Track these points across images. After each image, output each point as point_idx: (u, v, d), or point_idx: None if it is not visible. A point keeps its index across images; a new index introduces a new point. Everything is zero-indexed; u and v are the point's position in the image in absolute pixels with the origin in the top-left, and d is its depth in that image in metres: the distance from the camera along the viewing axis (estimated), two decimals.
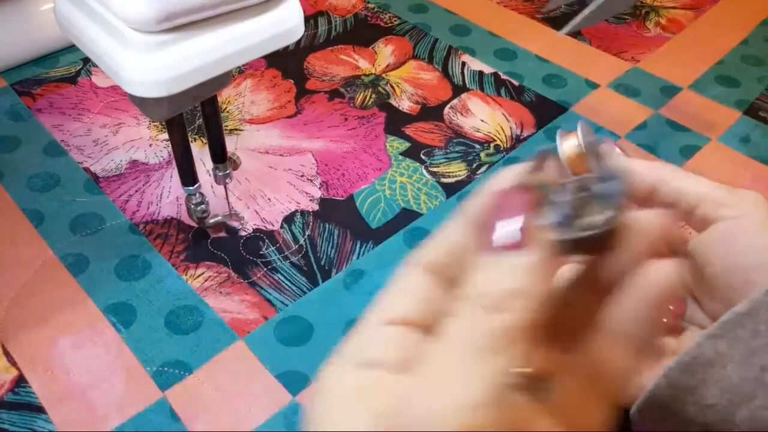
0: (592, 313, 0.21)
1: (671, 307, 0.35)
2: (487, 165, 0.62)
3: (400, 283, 0.21)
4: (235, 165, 0.61)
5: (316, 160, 0.62)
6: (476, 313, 0.18)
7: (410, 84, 0.71)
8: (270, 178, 0.60)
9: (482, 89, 0.71)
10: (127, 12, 0.36)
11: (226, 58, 0.40)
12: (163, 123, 0.63)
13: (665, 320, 0.34)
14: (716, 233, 0.32)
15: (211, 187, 0.58)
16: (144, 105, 0.43)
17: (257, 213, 0.56)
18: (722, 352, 0.28)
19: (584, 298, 0.22)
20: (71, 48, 0.72)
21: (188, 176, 0.49)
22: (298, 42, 0.75)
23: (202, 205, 0.51)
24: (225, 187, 0.53)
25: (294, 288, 0.50)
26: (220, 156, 0.51)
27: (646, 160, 0.37)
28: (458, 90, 0.71)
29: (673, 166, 0.36)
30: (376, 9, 0.83)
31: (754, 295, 0.28)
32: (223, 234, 0.54)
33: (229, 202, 0.54)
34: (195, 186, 0.49)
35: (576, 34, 0.80)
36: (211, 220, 0.53)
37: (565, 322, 0.21)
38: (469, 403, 0.16)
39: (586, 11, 0.54)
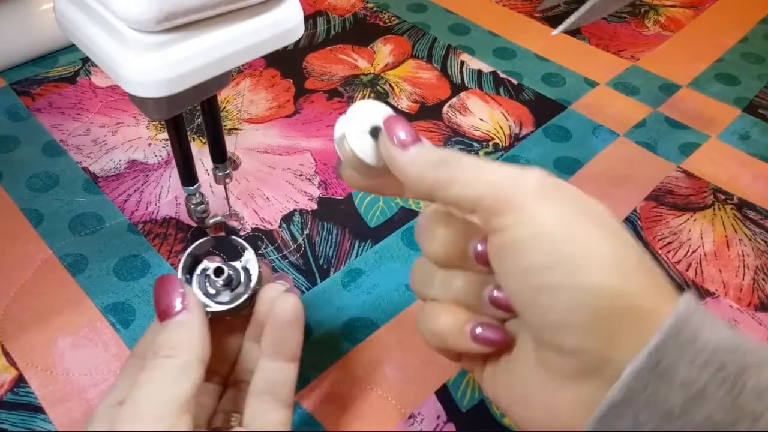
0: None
1: None
2: None
3: (123, 370, 0.32)
4: (235, 165, 0.61)
5: (314, 160, 0.62)
6: (155, 364, 0.27)
7: (409, 83, 0.71)
8: (269, 177, 0.60)
9: (481, 88, 0.71)
10: (126, 12, 0.36)
11: (226, 58, 0.40)
12: (163, 123, 0.63)
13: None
14: (493, 250, 0.27)
15: (210, 186, 0.58)
16: (144, 105, 0.43)
17: (256, 212, 0.56)
18: None
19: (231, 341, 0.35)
20: (70, 48, 0.72)
21: (188, 176, 0.49)
22: (297, 41, 0.75)
23: (202, 205, 0.51)
24: (225, 187, 0.53)
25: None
26: (219, 156, 0.51)
27: (426, 150, 0.28)
28: (457, 89, 0.71)
29: (457, 154, 0.28)
30: (375, 8, 0.83)
31: (624, 379, 0.23)
32: (222, 234, 0.54)
33: (228, 202, 0.54)
34: (195, 186, 0.49)
35: (575, 32, 0.80)
36: (211, 220, 0.53)
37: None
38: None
39: (581, 10, 0.54)
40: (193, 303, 0.29)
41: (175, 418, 0.25)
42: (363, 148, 0.30)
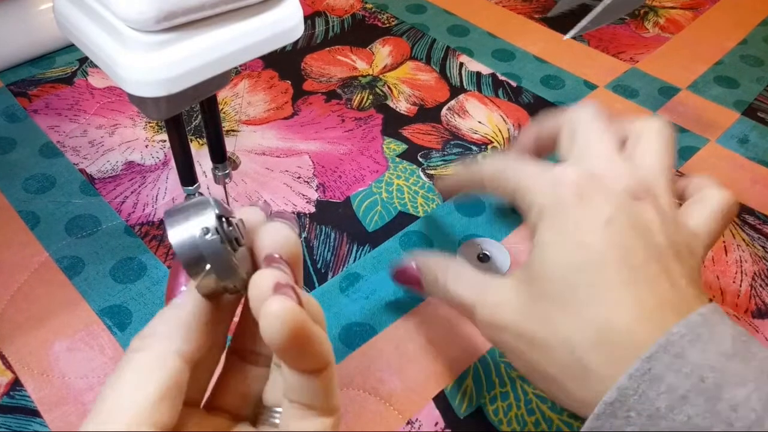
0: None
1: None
2: None
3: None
4: (235, 165, 0.61)
5: (312, 162, 0.61)
6: (126, 359, 0.24)
7: (408, 85, 0.71)
8: (266, 179, 0.60)
9: (480, 90, 0.71)
10: (126, 11, 0.36)
11: (225, 57, 0.40)
12: (161, 123, 0.63)
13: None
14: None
15: (208, 188, 0.58)
16: (143, 105, 0.42)
17: None
18: None
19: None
20: (67, 48, 0.72)
21: (188, 176, 0.49)
22: (296, 42, 0.75)
23: None
24: (224, 188, 0.53)
25: None
26: (219, 156, 0.51)
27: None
28: (456, 91, 0.70)
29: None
30: (373, 9, 0.82)
31: (619, 382, 0.26)
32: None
33: (228, 202, 0.54)
34: (194, 186, 0.49)
35: (576, 35, 0.80)
36: None
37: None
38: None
39: (592, 14, 0.54)
40: (191, 288, 0.25)
41: (139, 418, 0.22)
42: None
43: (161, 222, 0.55)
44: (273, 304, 0.21)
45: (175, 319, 0.24)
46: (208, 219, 0.24)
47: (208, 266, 0.23)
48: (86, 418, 0.22)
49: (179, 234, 0.24)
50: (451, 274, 0.36)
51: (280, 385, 0.26)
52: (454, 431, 0.41)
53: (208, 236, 0.23)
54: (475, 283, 0.34)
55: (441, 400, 0.43)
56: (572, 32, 0.57)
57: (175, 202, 0.57)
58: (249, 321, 0.28)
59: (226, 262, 0.24)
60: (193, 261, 0.24)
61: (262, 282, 0.23)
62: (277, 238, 0.25)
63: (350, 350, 0.46)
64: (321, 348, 0.23)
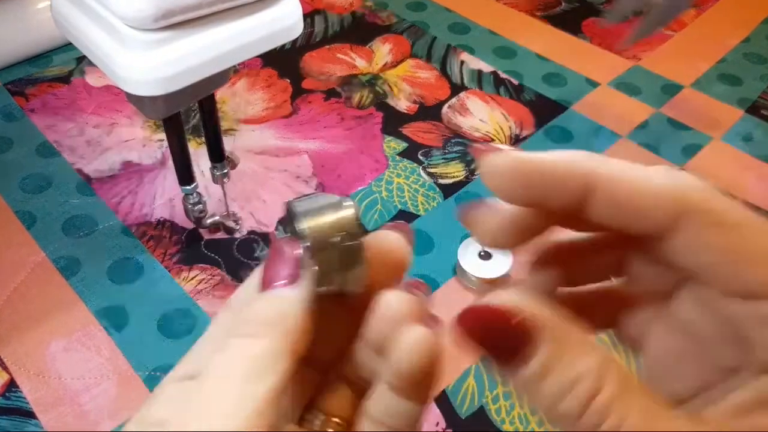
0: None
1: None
2: None
3: (204, 333, 0.21)
4: (233, 164, 0.60)
5: (312, 161, 0.61)
6: (237, 342, 0.19)
7: (408, 83, 0.70)
8: (265, 179, 0.59)
9: (481, 88, 0.70)
10: (124, 9, 0.35)
11: (224, 56, 0.39)
12: (160, 122, 0.63)
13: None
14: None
15: (206, 187, 0.57)
16: (141, 103, 0.42)
17: (252, 215, 0.56)
18: None
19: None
20: (65, 47, 0.71)
21: (186, 175, 0.48)
22: (294, 41, 0.74)
23: (200, 205, 0.50)
24: (222, 187, 0.52)
25: None
26: (217, 155, 0.50)
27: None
28: (457, 89, 0.70)
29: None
30: (373, 7, 0.82)
31: None
32: (217, 236, 0.53)
33: (226, 202, 0.54)
34: (192, 185, 0.49)
35: (576, 31, 0.80)
36: (209, 220, 0.52)
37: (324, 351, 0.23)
38: (240, 429, 0.17)
39: (649, 17, 0.54)
40: (306, 277, 0.20)
41: (248, 421, 0.18)
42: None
43: (158, 222, 0.55)
44: (422, 334, 0.19)
45: (291, 314, 0.20)
46: (349, 217, 0.22)
47: (336, 262, 0.21)
48: (181, 409, 0.18)
49: (314, 222, 0.21)
50: None
51: (342, 396, 0.24)
52: (456, 431, 0.41)
53: (352, 231, 0.21)
54: None
55: (442, 400, 0.42)
56: (631, 38, 0.57)
57: (173, 202, 0.56)
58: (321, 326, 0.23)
59: (360, 262, 0.21)
60: (327, 254, 0.21)
61: (402, 304, 0.20)
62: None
63: None
64: (436, 382, 0.20)
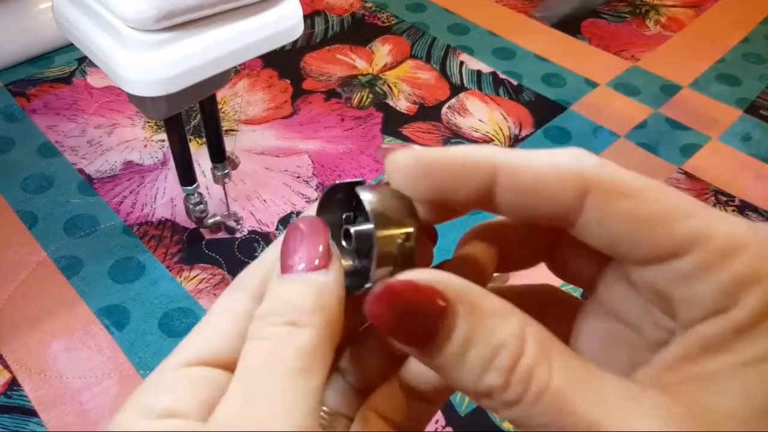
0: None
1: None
2: None
3: (210, 313, 0.18)
4: (234, 164, 0.60)
5: (312, 161, 0.61)
6: (277, 330, 0.16)
7: (408, 84, 0.71)
8: (266, 179, 0.59)
9: (480, 89, 0.70)
10: (125, 11, 0.36)
11: (225, 57, 0.40)
12: (161, 123, 0.63)
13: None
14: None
15: (207, 188, 0.57)
16: (142, 104, 0.42)
17: (252, 214, 0.56)
18: None
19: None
20: (66, 48, 0.72)
21: (187, 176, 0.48)
22: (295, 42, 0.75)
23: (201, 205, 0.50)
24: (224, 187, 0.53)
25: None
26: (218, 155, 0.51)
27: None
28: (456, 89, 0.70)
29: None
30: (373, 8, 0.82)
31: None
32: (217, 235, 0.54)
33: (227, 202, 0.54)
34: (194, 186, 0.49)
35: (575, 32, 0.80)
36: (210, 220, 0.52)
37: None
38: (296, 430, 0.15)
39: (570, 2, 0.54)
40: (338, 263, 0.18)
41: (304, 421, 0.15)
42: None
43: (160, 222, 0.55)
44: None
45: (330, 302, 0.17)
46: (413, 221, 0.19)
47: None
48: (220, 413, 0.15)
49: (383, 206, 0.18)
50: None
51: (342, 390, 0.21)
52: (455, 428, 0.41)
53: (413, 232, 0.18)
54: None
55: None
56: (543, 13, 0.57)
57: (174, 201, 0.56)
58: None
59: (412, 264, 0.18)
60: (389, 242, 0.18)
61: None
62: None
63: None
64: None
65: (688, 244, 0.15)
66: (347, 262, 0.20)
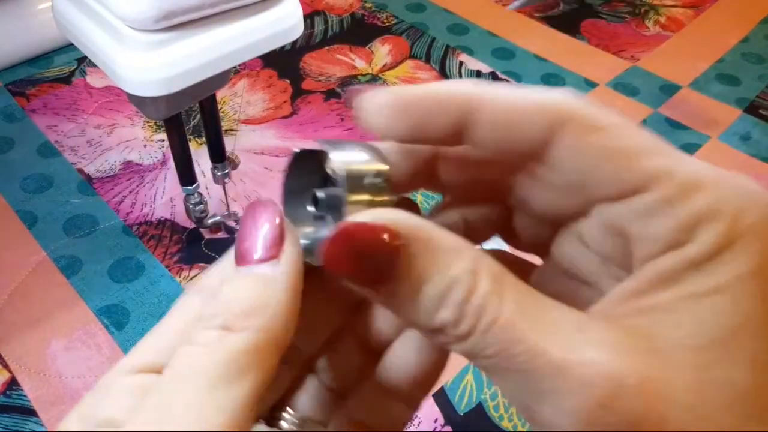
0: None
1: None
2: None
3: (165, 317, 0.18)
4: (234, 164, 0.61)
5: None
6: (209, 335, 0.15)
7: (407, 84, 0.71)
8: (265, 179, 0.59)
9: None
10: (125, 10, 0.36)
11: (225, 57, 0.40)
12: (160, 122, 0.63)
13: None
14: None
15: (206, 188, 0.57)
16: (142, 104, 0.42)
17: None
18: None
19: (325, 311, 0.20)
20: (66, 48, 0.72)
21: (187, 175, 0.48)
22: (294, 41, 0.75)
23: (201, 205, 0.50)
24: (224, 187, 0.53)
25: None
26: (218, 155, 0.51)
27: None
28: None
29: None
30: (373, 8, 0.82)
31: None
32: (217, 235, 0.54)
33: (227, 202, 0.54)
34: (194, 186, 0.49)
35: (575, 32, 0.80)
36: (210, 220, 0.52)
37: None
38: None
39: None
40: (292, 251, 0.16)
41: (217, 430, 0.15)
42: None
43: (159, 222, 0.55)
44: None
45: (273, 301, 0.16)
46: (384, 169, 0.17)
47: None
48: (136, 414, 0.15)
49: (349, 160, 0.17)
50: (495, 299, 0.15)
51: (316, 394, 0.21)
52: (454, 427, 0.41)
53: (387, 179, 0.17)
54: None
55: (440, 397, 0.43)
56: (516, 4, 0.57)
57: (174, 201, 0.56)
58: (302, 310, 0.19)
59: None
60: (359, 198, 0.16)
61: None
62: None
63: None
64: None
65: (650, 181, 0.15)
66: (317, 232, 0.18)
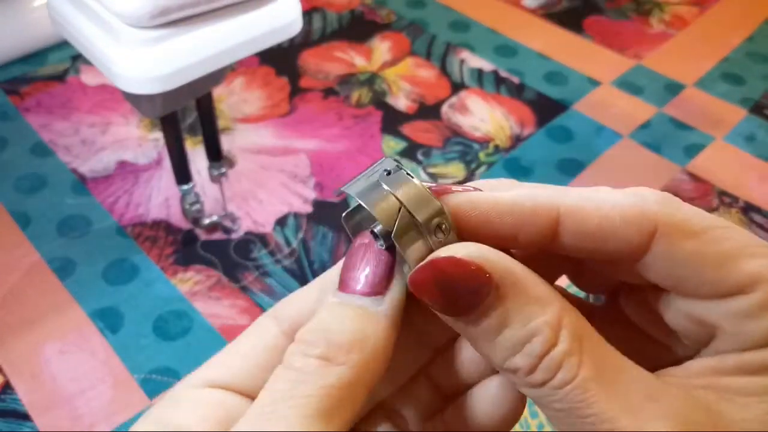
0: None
1: None
2: (486, 165, 0.60)
3: (240, 336, 0.18)
4: (231, 163, 0.60)
5: (310, 161, 0.60)
6: (308, 363, 0.15)
7: (407, 82, 0.70)
8: (262, 178, 0.58)
9: (482, 87, 0.69)
10: (121, 7, 0.35)
11: (222, 54, 0.39)
12: (156, 121, 0.62)
13: None
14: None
15: (202, 188, 0.56)
16: (138, 102, 0.42)
17: (249, 215, 0.55)
18: None
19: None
20: (60, 45, 0.71)
21: (183, 174, 0.48)
22: (292, 38, 0.74)
23: (197, 205, 0.50)
24: (220, 186, 0.52)
25: (286, 293, 0.49)
26: (215, 154, 0.50)
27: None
28: (457, 88, 0.69)
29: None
30: (372, 5, 0.81)
31: None
32: (213, 236, 0.53)
33: (224, 202, 0.53)
34: (190, 185, 0.49)
35: (578, 30, 0.79)
36: (206, 221, 0.52)
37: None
38: None
39: None
40: (398, 290, 0.16)
41: None
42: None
43: (154, 222, 0.54)
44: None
45: (373, 338, 0.16)
46: (388, 164, 0.17)
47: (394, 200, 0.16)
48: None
49: (359, 185, 0.17)
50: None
51: None
52: None
53: (391, 174, 0.16)
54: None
55: None
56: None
57: (169, 202, 0.56)
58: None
59: (417, 189, 0.16)
60: (376, 197, 0.16)
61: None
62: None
63: None
64: None
65: (749, 284, 0.15)
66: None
